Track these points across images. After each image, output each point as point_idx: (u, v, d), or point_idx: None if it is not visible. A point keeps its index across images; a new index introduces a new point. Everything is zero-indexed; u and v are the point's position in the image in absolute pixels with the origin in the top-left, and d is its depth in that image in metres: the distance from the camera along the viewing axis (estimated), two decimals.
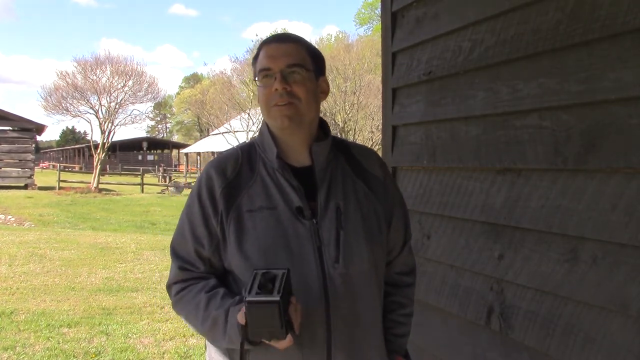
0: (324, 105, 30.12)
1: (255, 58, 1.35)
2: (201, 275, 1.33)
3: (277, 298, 1.08)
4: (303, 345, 1.23)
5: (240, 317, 1.16)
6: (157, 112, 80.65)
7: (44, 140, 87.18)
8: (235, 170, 1.32)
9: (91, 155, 28.82)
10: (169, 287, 1.38)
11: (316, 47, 1.40)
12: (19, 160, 24.37)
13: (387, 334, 1.41)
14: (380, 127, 3.22)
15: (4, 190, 21.64)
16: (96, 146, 25.84)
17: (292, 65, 1.28)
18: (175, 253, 1.37)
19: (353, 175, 1.37)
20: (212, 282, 1.32)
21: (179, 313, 1.37)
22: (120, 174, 40.11)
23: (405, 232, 1.46)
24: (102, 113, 26.07)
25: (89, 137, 35.91)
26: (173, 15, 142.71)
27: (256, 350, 1.23)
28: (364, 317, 1.31)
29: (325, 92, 1.38)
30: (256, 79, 1.33)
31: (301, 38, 1.38)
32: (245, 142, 1.42)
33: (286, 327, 1.11)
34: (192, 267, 1.34)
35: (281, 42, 1.32)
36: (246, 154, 1.36)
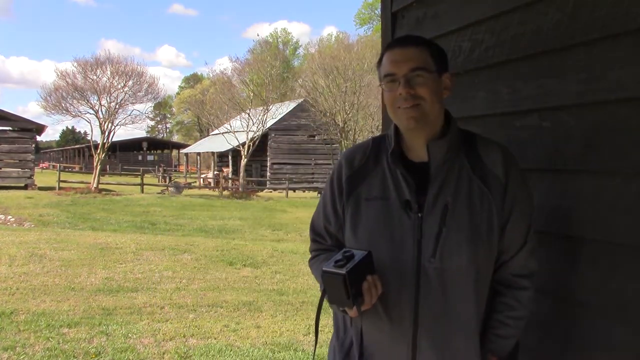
0: (325, 105, 30.11)
1: (379, 62, 1.44)
2: (328, 248, 1.54)
3: (343, 272, 1.25)
4: (392, 321, 1.37)
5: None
6: (157, 112, 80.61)
7: (44, 141, 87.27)
8: (362, 161, 1.47)
9: (91, 156, 28.82)
10: (310, 252, 1.62)
11: (437, 45, 1.45)
12: (19, 161, 24.39)
13: (489, 334, 1.41)
14: (380, 127, 3.22)
15: (4, 190, 21.64)
16: (96, 146, 25.83)
17: (415, 69, 1.36)
18: (312, 227, 1.59)
19: (471, 173, 1.38)
20: (333, 254, 1.46)
21: (313, 275, 1.59)
22: (120, 174, 40.10)
23: (526, 235, 1.41)
24: (102, 113, 26.08)
25: (89, 137, 35.91)
26: (172, 15, 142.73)
27: (358, 321, 1.42)
28: (455, 311, 1.35)
29: (448, 88, 1.43)
30: (381, 82, 1.42)
31: (423, 39, 1.45)
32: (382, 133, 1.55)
33: (353, 299, 1.27)
34: (322, 239, 1.56)
35: (404, 47, 1.40)
36: (376, 145, 1.49)
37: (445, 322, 1.35)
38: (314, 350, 1.50)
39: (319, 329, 1.49)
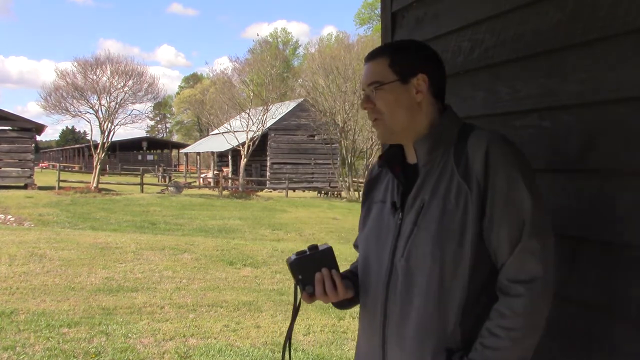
0: (325, 105, 30.11)
1: None
2: None
3: (292, 259, 1.44)
4: (370, 319, 1.44)
5: None
6: (157, 112, 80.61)
7: (43, 140, 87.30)
8: (380, 169, 1.54)
9: (91, 155, 28.83)
10: None
11: (403, 47, 1.47)
12: (19, 160, 24.39)
13: (476, 342, 1.29)
14: None
15: (4, 190, 21.64)
16: (96, 146, 25.84)
17: (370, 84, 1.42)
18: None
19: (454, 170, 1.33)
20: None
21: None
22: (120, 174, 40.09)
23: (518, 235, 1.27)
24: (102, 113, 26.09)
25: (88, 137, 35.93)
26: (171, 15, 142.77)
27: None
28: (416, 309, 1.33)
29: (421, 90, 1.40)
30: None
31: (383, 50, 1.46)
32: None
33: (301, 284, 1.43)
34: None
35: (366, 62, 1.46)
36: None
37: (407, 321, 1.35)
38: (289, 336, 1.53)
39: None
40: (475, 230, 1.29)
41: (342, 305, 1.52)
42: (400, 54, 1.43)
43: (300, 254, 1.43)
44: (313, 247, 1.44)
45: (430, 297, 1.32)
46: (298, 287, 1.45)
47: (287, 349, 1.53)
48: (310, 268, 1.42)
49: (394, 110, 1.39)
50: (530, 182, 1.31)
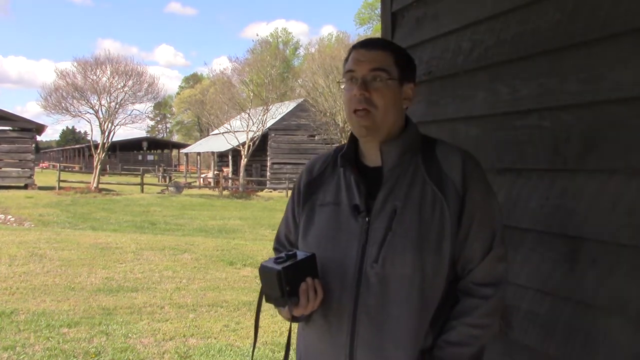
0: (325, 105, 30.12)
1: (346, 61, 1.41)
2: None
3: (279, 268, 1.27)
4: (330, 331, 1.35)
5: None
6: (157, 112, 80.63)
7: (44, 140, 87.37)
8: (321, 169, 1.49)
9: (91, 155, 28.84)
10: None
11: (406, 53, 1.43)
12: (19, 160, 24.39)
13: (439, 340, 1.32)
14: None
15: (4, 190, 21.64)
16: (96, 146, 25.85)
17: (375, 69, 1.33)
18: (276, 236, 1.61)
19: (426, 177, 1.34)
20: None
21: None
22: (120, 174, 40.11)
23: (490, 243, 1.33)
24: (102, 113, 26.10)
25: (89, 137, 35.96)
26: (170, 14, 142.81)
27: (304, 329, 1.44)
28: (394, 319, 1.30)
29: (409, 98, 1.40)
30: (342, 80, 1.40)
31: (391, 45, 1.43)
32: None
33: (287, 297, 1.28)
34: (282, 248, 1.56)
35: (369, 49, 1.37)
36: (337, 153, 1.48)
37: (382, 329, 1.30)
38: (253, 350, 1.49)
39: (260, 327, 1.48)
40: (452, 240, 1.31)
41: (301, 318, 1.40)
42: (403, 57, 1.39)
43: (281, 262, 1.30)
44: (292, 255, 1.32)
45: (411, 307, 1.29)
46: (275, 298, 1.31)
47: None
48: (296, 277, 1.30)
49: (387, 109, 1.34)
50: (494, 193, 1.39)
